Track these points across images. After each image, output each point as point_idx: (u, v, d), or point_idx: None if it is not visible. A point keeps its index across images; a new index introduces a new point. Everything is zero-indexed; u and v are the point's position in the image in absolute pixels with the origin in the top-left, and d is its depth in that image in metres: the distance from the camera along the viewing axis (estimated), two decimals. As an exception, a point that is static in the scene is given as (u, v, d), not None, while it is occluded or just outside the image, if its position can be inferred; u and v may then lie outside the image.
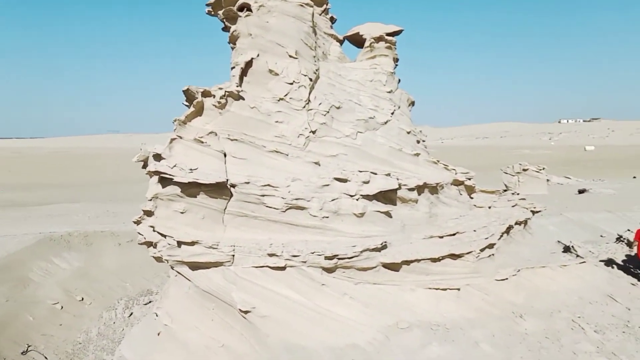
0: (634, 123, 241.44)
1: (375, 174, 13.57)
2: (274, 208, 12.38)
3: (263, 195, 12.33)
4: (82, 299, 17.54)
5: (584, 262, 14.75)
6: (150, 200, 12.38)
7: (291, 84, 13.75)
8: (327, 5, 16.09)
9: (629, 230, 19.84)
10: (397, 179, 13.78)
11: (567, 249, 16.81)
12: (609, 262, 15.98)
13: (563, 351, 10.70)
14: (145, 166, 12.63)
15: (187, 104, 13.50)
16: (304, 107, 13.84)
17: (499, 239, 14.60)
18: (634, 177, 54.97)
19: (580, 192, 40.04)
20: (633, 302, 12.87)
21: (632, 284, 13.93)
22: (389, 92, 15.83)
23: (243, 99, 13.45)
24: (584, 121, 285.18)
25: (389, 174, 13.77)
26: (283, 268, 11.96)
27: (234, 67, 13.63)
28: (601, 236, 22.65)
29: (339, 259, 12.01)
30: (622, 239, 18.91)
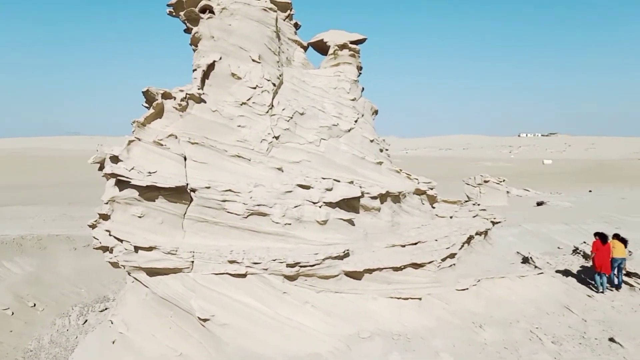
0: (589, 138, 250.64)
1: (339, 181, 13.51)
2: (235, 214, 12.14)
3: (224, 201, 12.08)
4: (34, 305, 16.81)
5: (542, 273, 15.03)
6: (107, 203, 11.96)
7: (254, 88, 13.57)
8: (291, 10, 16.02)
9: (584, 242, 20.36)
10: (360, 187, 13.75)
11: (525, 260, 17.12)
12: (566, 273, 16.33)
13: (521, 361, 10.80)
14: (102, 168, 12.20)
15: (146, 105, 13.15)
16: (267, 112, 13.67)
17: (460, 248, 14.72)
18: (590, 191, 56.79)
19: (539, 204, 41.06)
20: (589, 314, 13.14)
21: (588, 296, 14.25)
22: (353, 100, 15.84)
23: (205, 102, 13.18)
24: (542, 135, 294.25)
25: (352, 182, 13.73)
26: (244, 275, 11.72)
27: (195, 70, 13.36)
28: (558, 248, 23.20)
29: (300, 266, 11.85)
30: (578, 250, 19.38)
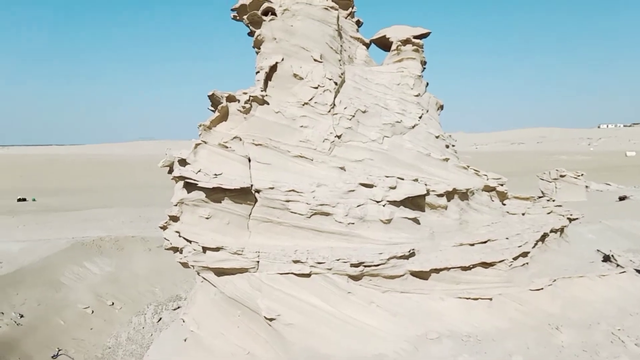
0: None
1: (403, 179, 13.23)
2: (299, 214, 12.19)
3: (288, 201, 12.16)
4: (113, 303, 17.71)
5: (624, 271, 14.03)
6: (176, 205, 12.39)
7: (316, 88, 13.56)
8: (352, 8, 15.87)
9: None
10: (425, 185, 13.41)
11: (606, 258, 16.06)
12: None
13: (602, 365, 10.14)
14: (171, 171, 12.65)
15: (212, 109, 13.48)
16: (329, 111, 13.62)
17: (534, 247, 14.02)
18: (678, 184, 52.77)
19: (621, 199, 38.61)
20: (677, 314, 12.15)
21: (676, 296, 13.15)
22: (417, 95, 15.46)
23: (268, 103, 13.34)
24: (624, 126, 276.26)
25: (416, 180, 13.40)
26: (308, 275, 11.76)
27: (258, 72, 13.55)
28: (643, 244, 21.69)
29: (365, 266, 11.72)
30: (665, 247, 18.02)
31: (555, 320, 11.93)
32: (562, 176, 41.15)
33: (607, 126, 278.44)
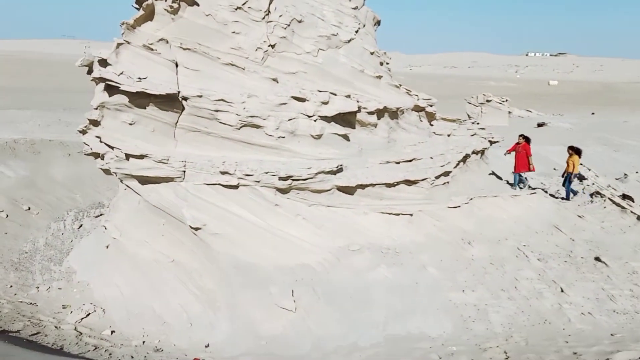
0: (598, 59, 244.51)
1: (335, 94, 13.09)
2: (228, 125, 11.88)
3: (217, 111, 11.76)
4: (29, 208, 16.92)
5: (534, 192, 15.07)
6: (96, 109, 11.64)
7: (250, -9, 12.77)
8: None
9: (581, 164, 20.31)
10: (357, 102, 13.37)
11: (520, 180, 17.10)
12: (558, 194, 16.44)
13: (506, 277, 11.06)
14: (90, 72, 11.76)
15: (136, 6, 12.43)
16: (263, 18, 12.95)
17: (455, 167, 14.65)
18: (592, 114, 56.18)
19: (540, 125, 40.75)
20: (577, 233, 13.30)
21: (579, 216, 14.35)
22: (354, 8, 15.01)
23: (198, 5, 12.43)
24: (550, 55, 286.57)
25: (349, 96, 13.31)
26: (236, 187, 11.69)
27: (188, -32, 12.49)
28: (554, 169, 23.22)
29: (293, 180, 11.80)
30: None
31: (469, 236, 12.74)
32: (488, 101, 42.61)
33: (535, 54, 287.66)
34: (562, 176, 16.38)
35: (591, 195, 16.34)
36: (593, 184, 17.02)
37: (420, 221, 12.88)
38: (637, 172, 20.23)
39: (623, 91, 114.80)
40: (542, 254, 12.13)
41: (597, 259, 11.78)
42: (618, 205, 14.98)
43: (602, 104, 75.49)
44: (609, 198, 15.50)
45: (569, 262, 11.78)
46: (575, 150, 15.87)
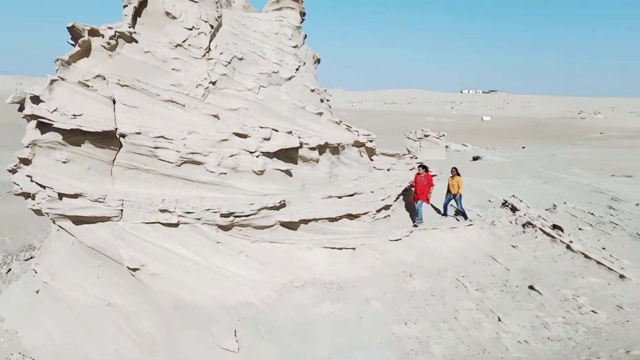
0: (527, 96, 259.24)
1: (277, 131, 13.21)
2: (168, 162, 11.68)
3: (156, 148, 11.56)
4: (-48, 253, 15.86)
5: (471, 224, 15.61)
6: (27, 147, 11.15)
7: (190, 29, 12.80)
8: (232, -52, 15.14)
9: (514, 196, 21.27)
10: (299, 138, 13.54)
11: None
12: (494, 225, 17.08)
13: (446, 308, 11.30)
14: (22, 109, 11.31)
15: (72, 42, 12.17)
16: (204, 55, 13.00)
17: (395, 200, 14.98)
18: (523, 147, 59.15)
19: (475, 159, 42.45)
20: (512, 263, 13.85)
21: (512, 246, 14.97)
22: (295, 46, 15.36)
23: (136, 41, 12.34)
24: (483, 92, 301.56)
25: (290, 132, 13.47)
26: (176, 225, 11.43)
27: (126, 6, 12.36)
28: (489, 201, 24.16)
29: (235, 216, 11.69)
30: (507, 204, 20.23)
31: (410, 269, 12.99)
32: (426, 136, 44.07)
33: (469, 91, 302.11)
34: (453, 197, 16.94)
35: (523, 225, 17.09)
36: (525, 214, 17.81)
37: (363, 255, 13.04)
38: (565, 203, 21.37)
39: (550, 126, 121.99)
40: (479, 284, 12.52)
41: (531, 287, 12.27)
42: (548, 235, 15.75)
43: (532, 138, 79.78)
44: (540, 228, 16.26)
45: (505, 291, 12.21)
46: (457, 172, 16.98)
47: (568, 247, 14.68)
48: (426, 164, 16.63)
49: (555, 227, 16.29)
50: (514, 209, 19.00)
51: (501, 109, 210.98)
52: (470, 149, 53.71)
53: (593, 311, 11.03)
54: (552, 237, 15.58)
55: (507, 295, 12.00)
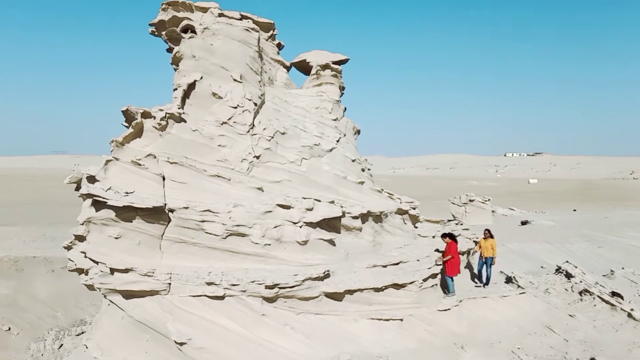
0: (574, 158, 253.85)
1: (319, 201, 13.41)
2: (214, 234, 11.98)
3: (203, 221, 11.92)
4: (9, 328, 16.36)
5: (524, 292, 15.00)
6: (82, 224, 11.72)
7: (235, 107, 13.52)
8: (274, 31, 16.09)
9: (567, 261, 20.40)
10: (341, 207, 13.67)
11: (508, 280, 17.09)
12: (548, 293, 16.33)
13: (502, 382, 10.69)
14: (78, 188, 12.00)
15: (126, 124, 13.02)
16: (248, 131, 13.61)
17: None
18: (574, 210, 57.21)
19: (523, 223, 41.21)
20: (570, 334, 13.10)
21: (570, 315, 14.22)
22: (335, 119, 15.84)
23: (185, 121, 13.09)
24: (527, 155, 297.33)
25: (333, 202, 13.64)
26: (222, 297, 11.52)
27: (176, 89, 13.29)
28: (542, 267, 23.23)
29: (280, 288, 11.69)
30: (561, 270, 19.40)
31: (461, 340, 12.47)
32: (471, 201, 43.31)
33: (513, 154, 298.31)
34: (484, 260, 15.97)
35: (580, 293, 16.28)
36: (581, 281, 16.99)
37: (411, 326, 12.65)
38: (622, 268, 20.29)
39: (601, 187, 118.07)
40: (537, 356, 11.86)
41: (593, 359, 11.52)
42: (608, 302, 14.92)
43: (582, 201, 77.21)
44: (598, 296, 15.45)
45: (565, 363, 11.50)
46: (491, 234, 16.14)
47: (629, 315, 13.84)
48: (453, 232, 15.67)
49: (614, 294, 15.45)
50: (568, 276, 18.16)
51: (548, 171, 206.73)
52: (517, 213, 52.29)
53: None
54: (612, 305, 14.74)
55: (568, 368, 11.30)
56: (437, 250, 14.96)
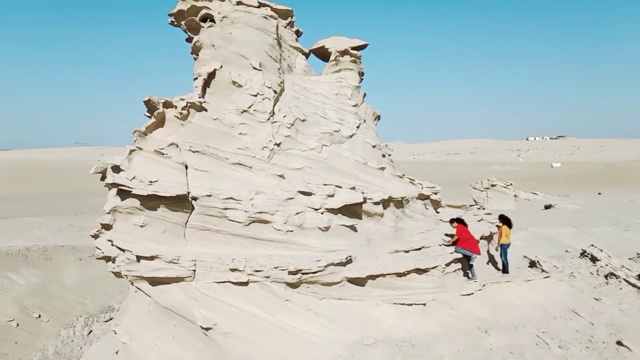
0: (598, 141, 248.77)
1: (340, 187, 13.45)
2: (237, 222, 12.13)
3: (226, 209, 12.07)
4: (39, 316, 16.87)
5: (548, 276, 14.85)
6: (109, 213, 11.99)
7: (255, 95, 13.59)
8: (292, 18, 16.07)
9: (592, 245, 20.12)
10: (362, 193, 13.68)
11: (532, 264, 16.95)
12: (573, 277, 16.15)
13: (527, 366, 10.66)
14: (103, 178, 12.25)
15: (148, 114, 13.20)
16: (268, 119, 13.68)
17: (465, 253, 14.56)
18: (599, 194, 56.27)
19: (547, 207, 40.68)
20: (596, 317, 12.96)
21: (595, 299, 14.05)
22: (355, 105, 15.81)
23: (206, 110, 13.22)
24: (550, 138, 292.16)
25: (354, 188, 13.66)
26: (246, 283, 11.69)
27: (196, 78, 13.41)
28: (566, 251, 22.93)
29: (303, 273, 11.80)
30: (586, 254, 19.15)
31: (484, 324, 12.43)
32: (493, 185, 42.86)
33: (535, 138, 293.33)
34: (496, 249, 15.64)
35: (606, 276, 16.08)
36: (607, 265, 16.76)
37: (434, 310, 12.65)
38: (650, 251, 19.95)
39: (627, 170, 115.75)
40: (562, 340, 11.76)
41: (619, 343, 11.39)
42: (634, 286, 14.71)
43: (607, 184, 75.83)
44: (624, 279, 15.24)
45: (591, 347, 11.39)
46: (504, 220, 15.56)
47: (657, 298, 13.61)
48: (462, 217, 15.36)
49: (640, 276, 15.21)
50: (594, 259, 17.92)
51: (571, 154, 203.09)
52: (541, 197, 51.62)
53: (693, 368, 10.07)
54: (639, 288, 14.52)
55: (594, 352, 11.18)
56: (446, 234, 14.87)
